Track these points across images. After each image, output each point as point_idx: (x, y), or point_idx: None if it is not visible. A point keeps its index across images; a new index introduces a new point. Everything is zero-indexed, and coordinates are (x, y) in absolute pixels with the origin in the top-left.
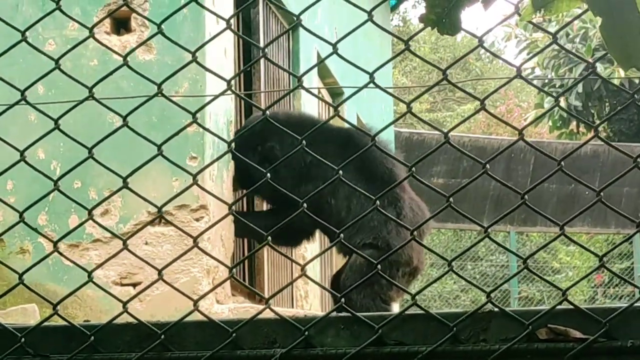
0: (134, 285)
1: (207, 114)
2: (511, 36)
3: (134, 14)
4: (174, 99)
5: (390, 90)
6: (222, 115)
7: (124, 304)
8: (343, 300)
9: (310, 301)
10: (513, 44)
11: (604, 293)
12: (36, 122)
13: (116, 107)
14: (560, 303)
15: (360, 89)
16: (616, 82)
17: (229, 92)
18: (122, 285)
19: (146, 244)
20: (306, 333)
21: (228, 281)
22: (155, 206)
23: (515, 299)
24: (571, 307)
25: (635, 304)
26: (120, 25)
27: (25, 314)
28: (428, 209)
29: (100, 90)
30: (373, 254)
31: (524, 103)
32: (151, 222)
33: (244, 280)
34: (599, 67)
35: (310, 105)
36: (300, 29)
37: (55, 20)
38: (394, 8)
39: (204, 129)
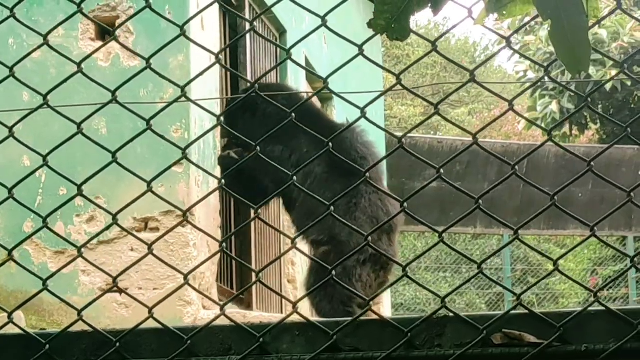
0: (121, 292)
1: (193, 119)
2: (503, 40)
3: (118, 20)
4: (160, 105)
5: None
6: (208, 121)
7: (79, 312)
8: (298, 306)
9: (299, 306)
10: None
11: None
12: (21, 129)
13: (102, 113)
14: (514, 308)
15: (350, 61)
16: (608, 84)
17: (215, 96)
18: (127, 294)
19: (132, 250)
20: (261, 340)
21: (215, 287)
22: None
23: (509, 302)
24: (526, 311)
25: (590, 309)
26: (105, 31)
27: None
28: (399, 206)
29: (85, 97)
30: (329, 251)
31: (517, 106)
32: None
33: (231, 285)
34: (591, 69)
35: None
36: (289, 33)
37: (39, 27)
38: None
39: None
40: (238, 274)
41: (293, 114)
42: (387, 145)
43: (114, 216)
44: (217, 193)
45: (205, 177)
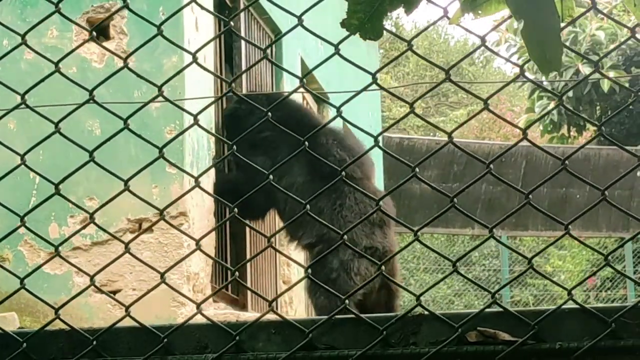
0: (115, 292)
1: (187, 121)
2: (501, 41)
3: (112, 22)
4: (153, 105)
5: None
6: (203, 122)
7: (56, 310)
8: (274, 305)
9: (295, 307)
10: (504, 48)
11: (596, 296)
12: (15, 130)
13: (90, 113)
14: (489, 306)
15: (327, 57)
16: (606, 86)
17: (208, 86)
18: (102, 292)
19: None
20: (237, 338)
21: (209, 287)
22: (157, 209)
23: (507, 303)
24: (501, 310)
25: (563, 307)
26: (99, 33)
27: (5, 322)
28: (393, 204)
29: (79, 97)
30: (322, 250)
31: (516, 107)
32: (155, 223)
33: (227, 287)
34: (589, 70)
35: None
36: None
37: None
38: None
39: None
40: (232, 274)
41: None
42: (384, 146)
43: (91, 215)
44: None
45: (200, 178)
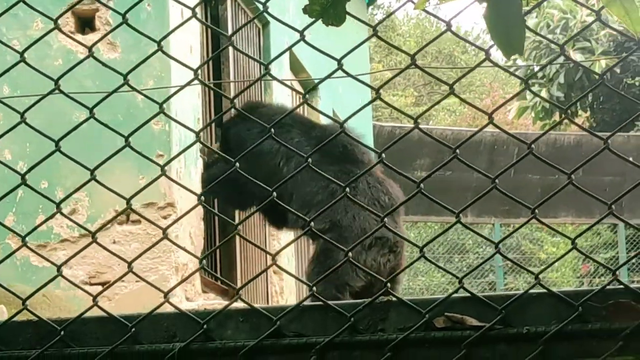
0: (103, 284)
1: (174, 111)
2: (492, 46)
3: (98, 13)
4: (140, 96)
5: (366, 77)
6: (190, 112)
7: (24, 301)
8: (241, 292)
9: (286, 297)
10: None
11: (590, 283)
12: (1, 123)
13: (79, 105)
14: (456, 291)
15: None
16: (598, 71)
17: (196, 84)
18: (91, 284)
19: (114, 242)
20: (205, 326)
21: (198, 278)
22: (124, 198)
23: (501, 291)
24: (468, 295)
25: (531, 291)
26: (85, 24)
27: None
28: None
29: (64, 88)
30: (332, 238)
31: (508, 95)
32: (121, 212)
33: (216, 278)
34: (580, 57)
35: (281, 99)
36: (271, 24)
37: (18, 20)
38: (370, 2)
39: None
40: (223, 266)
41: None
42: (375, 135)
43: (58, 205)
44: (199, 185)
45: (187, 169)
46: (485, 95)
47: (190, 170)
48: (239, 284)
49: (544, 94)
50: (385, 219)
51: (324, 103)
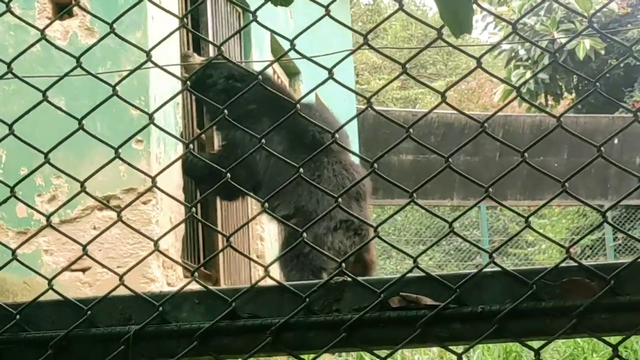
0: (84, 270)
1: (152, 96)
2: (477, 11)
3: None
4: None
5: (349, 59)
6: (168, 97)
7: None
8: (197, 274)
9: (268, 281)
10: (480, 17)
11: None
12: None
13: (56, 90)
14: (411, 270)
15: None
16: (581, 54)
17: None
18: (72, 270)
19: (94, 228)
20: (160, 309)
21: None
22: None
23: None
24: (423, 274)
25: (485, 270)
26: (62, 8)
27: None
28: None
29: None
30: (297, 223)
31: (493, 78)
32: (74, 197)
33: (197, 261)
34: (564, 39)
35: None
36: (252, 9)
37: None
38: None
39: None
40: (205, 250)
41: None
42: (360, 119)
43: (12, 188)
44: (179, 170)
45: (167, 154)
46: (471, 78)
47: (170, 155)
48: (221, 270)
49: (528, 75)
50: (340, 200)
51: (307, 87)
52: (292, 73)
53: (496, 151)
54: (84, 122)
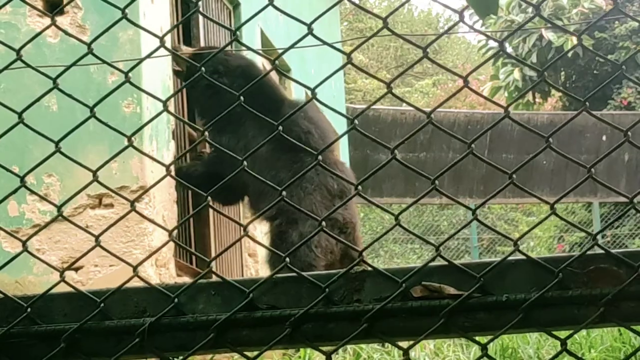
0: (76, 269)
1: (143, 95)
2: (466, 8)
3: None
4: (110, 79)
5: (339, 45)
6: (160, 93)
7: None
8: (212, 265)
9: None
10: (467, 15)
11: None
12: None
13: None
14: (433, 260)
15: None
16: (570, 51)
17: (165, 57)
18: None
19: (87, 226)
20: (176, 300)
21: (172, 261)
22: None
23: None
24: (445, 263)
25: (509, 258)
26: (54, 7)
27: None
28: (355, 175)
29: (36, 75)
30: (281, 223)
31: (481, 76)
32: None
33: (190, 260)
34: (552, 36)
35: None
36: (242, 5)
37: None
38: None
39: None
40: (197, 249)
41: (242, 98)
42: (348, 115)
43: (22, 178)
44: (172, 169)
45: (159, 152)
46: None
47: (162, 153)
48: (213, 267)
49: (516, 73)
50: (335, 203)
51: (297, 85)
52: (283, 70)
53: (485, 148)
54: (75, 118)
